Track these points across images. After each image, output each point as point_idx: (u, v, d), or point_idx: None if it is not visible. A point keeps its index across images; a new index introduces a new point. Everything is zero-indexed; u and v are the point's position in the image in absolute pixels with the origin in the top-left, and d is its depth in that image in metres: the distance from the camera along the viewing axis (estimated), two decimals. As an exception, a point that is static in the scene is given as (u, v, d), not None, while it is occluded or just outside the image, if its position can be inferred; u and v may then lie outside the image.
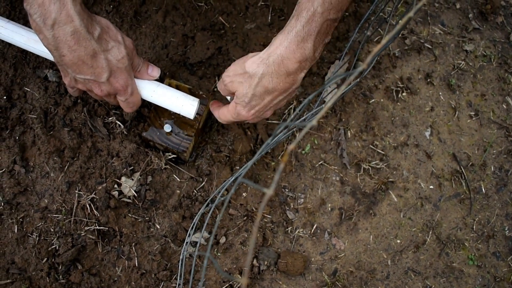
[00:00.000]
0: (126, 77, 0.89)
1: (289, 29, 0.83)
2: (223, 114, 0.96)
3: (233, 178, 0.97)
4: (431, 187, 1.24)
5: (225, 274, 0.34)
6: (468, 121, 1.30)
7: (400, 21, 1.34)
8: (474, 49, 1.36)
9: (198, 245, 0.87)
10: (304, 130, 0.32)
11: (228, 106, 0.94)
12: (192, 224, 1.04)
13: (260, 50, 1.21)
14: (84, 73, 0.84)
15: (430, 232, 1.21)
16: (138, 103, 0.96)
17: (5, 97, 1.06)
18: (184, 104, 0.97)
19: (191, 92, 1.04)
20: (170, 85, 1.03)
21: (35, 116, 1.06)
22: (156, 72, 0.97)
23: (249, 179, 1.16)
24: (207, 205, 1.06)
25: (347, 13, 1.30)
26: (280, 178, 1.18)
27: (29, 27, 0.95)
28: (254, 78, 0.85)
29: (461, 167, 1.26)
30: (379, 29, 1.30)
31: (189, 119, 1.06)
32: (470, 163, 1.27)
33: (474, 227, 1.23)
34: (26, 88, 1.08)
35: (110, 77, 0.87)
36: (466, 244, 1.21)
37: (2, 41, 1.09)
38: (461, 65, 1.34)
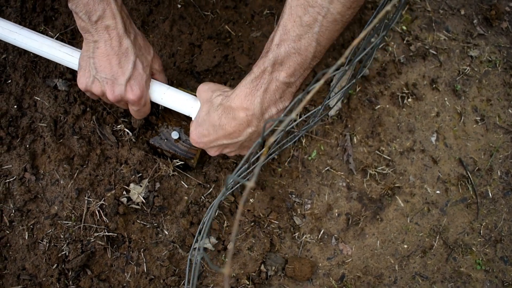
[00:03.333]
0: (142, 87, 0.93)
1: (246, 77, 0.84)
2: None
3: (238, 184, 0.98)
4: (438, 192, 1.24)
5: (215, 267, 0.35)
6: (474, 126, 1.30)
7: (403, 27, 1.36)
8: (479, 54, 1.37)
9: (198, 247, 0.88)
10: (284, 123, 0.34)
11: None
12: (198, 229, 1.05)
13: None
14: (106, 70, 0.88)
15: (437, 237, 1.21)
16: (148, 112, 1.01)
17: (16, 106, 1.08)
18: (194, 106, 0.98)
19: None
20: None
21: (45, 125, 1.08)
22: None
23: (255, 185, 1.17)
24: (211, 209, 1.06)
25: (351, 20, 1.31)
26: (287, 184, 1.19)
27: (41, 33, 0.98)
28: (211, 105, 0.89)
29: (468, 172, 1.26)
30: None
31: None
32: (477, 168, 1.27)
33: (481, 231, 1.23)
34: (36, 97, 1.10)
35: (128, 81, 0.90)
36: (473, 248, 1.21)
37: (13, 51, 1.12)
38: (466, 70, 1.34)
